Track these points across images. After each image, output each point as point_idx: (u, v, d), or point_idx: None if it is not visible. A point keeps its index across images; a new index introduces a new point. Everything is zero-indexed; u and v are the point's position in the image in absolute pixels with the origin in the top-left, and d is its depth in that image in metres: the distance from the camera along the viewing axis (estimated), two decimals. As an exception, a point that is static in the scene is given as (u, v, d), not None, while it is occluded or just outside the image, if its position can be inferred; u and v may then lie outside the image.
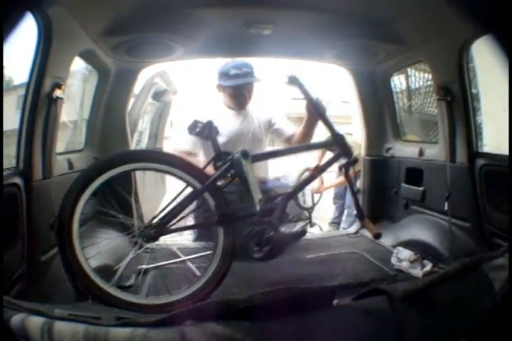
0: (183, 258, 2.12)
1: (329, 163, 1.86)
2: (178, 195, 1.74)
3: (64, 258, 1.51)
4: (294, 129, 2.28)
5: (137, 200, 2.43)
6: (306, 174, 3.12)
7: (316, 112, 1.88)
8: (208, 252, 1.98)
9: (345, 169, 1.82)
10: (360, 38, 2.12)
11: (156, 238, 1.65)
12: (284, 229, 1.79)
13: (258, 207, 1.63)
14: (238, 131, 2.21)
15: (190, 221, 2.06)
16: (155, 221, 1.64)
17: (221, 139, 2.14)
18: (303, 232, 1.88)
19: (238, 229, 1.72)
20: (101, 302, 1.53)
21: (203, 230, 2.29)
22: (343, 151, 1.79)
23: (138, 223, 1.75)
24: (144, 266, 2.00)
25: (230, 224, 1.67)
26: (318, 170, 1.85)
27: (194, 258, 2.11)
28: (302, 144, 2.11)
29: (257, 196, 1.65)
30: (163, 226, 1.63)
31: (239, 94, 2.18)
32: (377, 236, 2.14)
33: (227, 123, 2.17)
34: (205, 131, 1.77)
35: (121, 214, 1.73)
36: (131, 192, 2.30)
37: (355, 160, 1.81)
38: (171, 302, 1.59)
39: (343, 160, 1.82)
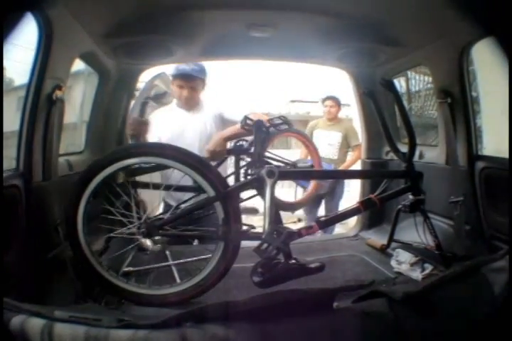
0: (170, 262, 2.06)
1: (391, 196, 1.79)
2: (192, 197, 1.69)
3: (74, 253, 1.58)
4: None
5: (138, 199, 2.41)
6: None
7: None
8: (196, 258, 1.97)
9: (411, 207, 1.80)
10: (361, 40, 2.11)
11: (151, 234, 1.59)
12: (301, 259, 1.58)
13: (264, 236, 1.48)
14: (181, 131, 2.20)
15: None
16: (153, 218, 1.61)
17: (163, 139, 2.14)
18: (320, 268, 1.56)
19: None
20: (107, 292, 1.64)
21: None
22: (413, 188, 1.76)
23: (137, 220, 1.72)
24: (131, 268, 1.97)
25: (232, 242, 1.60)
26: (381, 202, 1.75)
27: (180, 263, 2.00)
28: (358, 170, 2.02)
29: (267, 226, 1.49)
30: (159, 226, 1.59)
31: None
32: (384, 247, 2.17)
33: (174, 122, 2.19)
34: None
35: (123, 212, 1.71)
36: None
37: (423, 201, 1.76)
38: (173, 293, 1.61)
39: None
